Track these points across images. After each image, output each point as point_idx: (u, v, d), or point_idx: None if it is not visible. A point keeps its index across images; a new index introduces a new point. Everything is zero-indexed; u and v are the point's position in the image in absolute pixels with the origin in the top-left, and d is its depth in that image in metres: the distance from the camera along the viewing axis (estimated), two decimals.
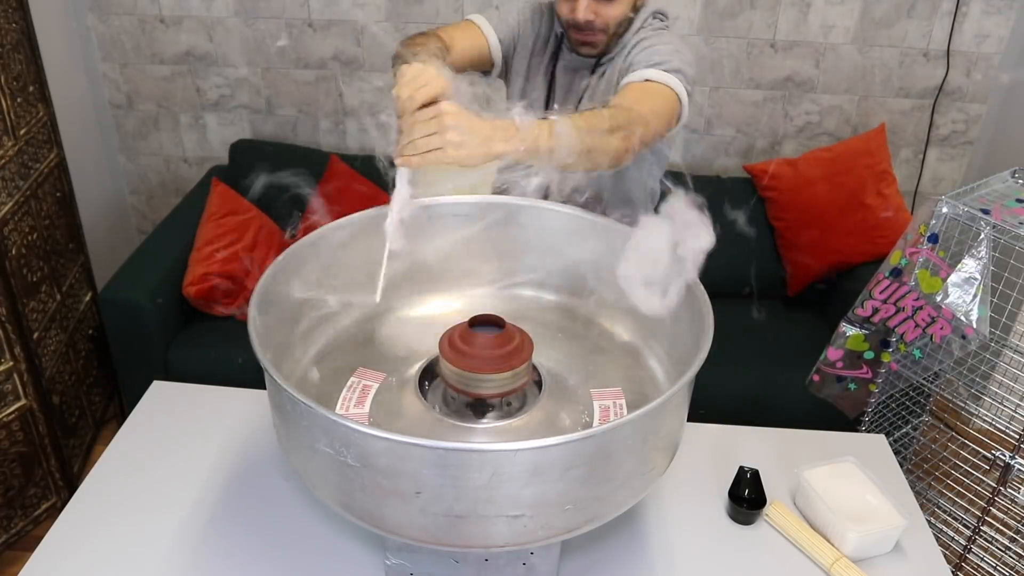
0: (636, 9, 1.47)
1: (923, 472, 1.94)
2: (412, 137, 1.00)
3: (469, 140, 0.99)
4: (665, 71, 1.33)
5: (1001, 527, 1.78)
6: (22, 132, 1.97)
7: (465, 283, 1.36)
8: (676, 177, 1.75)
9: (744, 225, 2.57)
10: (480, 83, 1.58)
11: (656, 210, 1.68)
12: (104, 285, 2.19)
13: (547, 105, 1.54)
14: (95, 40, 2.70)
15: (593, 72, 1.51)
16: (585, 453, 0.89)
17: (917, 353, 1.78)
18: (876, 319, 1.73)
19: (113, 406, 2.51)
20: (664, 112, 1.31)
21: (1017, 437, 1.66)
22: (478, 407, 1.10)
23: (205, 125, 2.84)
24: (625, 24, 1.46)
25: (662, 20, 1.51)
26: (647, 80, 1.33)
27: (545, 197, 1.42)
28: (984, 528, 1.78)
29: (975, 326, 1.62)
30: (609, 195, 1.55)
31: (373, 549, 1.17)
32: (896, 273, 1.70)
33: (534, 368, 1.16)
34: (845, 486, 1.26)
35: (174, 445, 1.35)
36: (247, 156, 2.68)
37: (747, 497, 1.24)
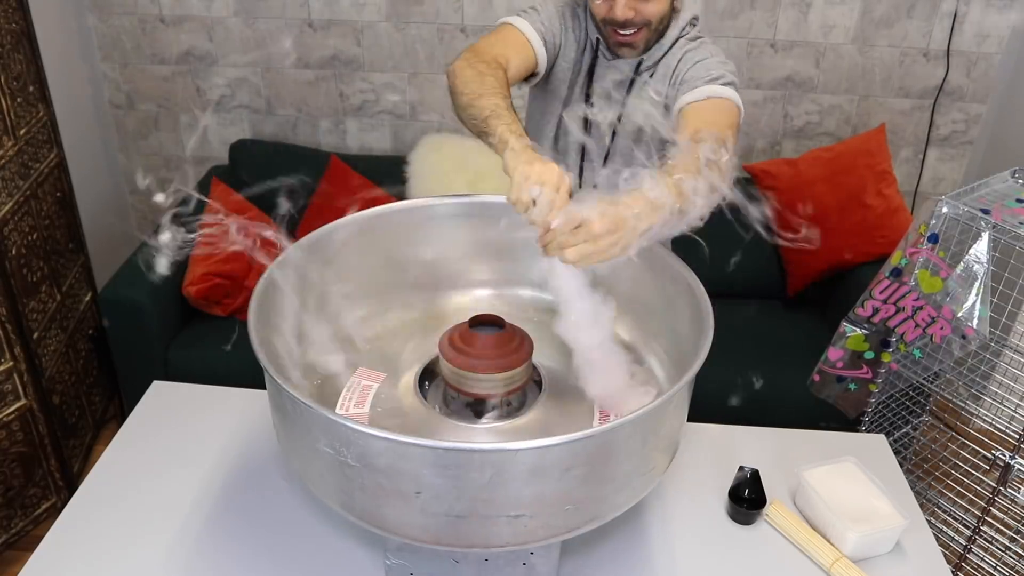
0: (675, 6, 1.42)
1: (923, 472, 1.94)
2: (565, 246, 0.99)
3: (621, 237, 0.98)
4: (723, 85, 1.35)
5: (1001, 527, 1.78)
6: (22, 132, 1.97)
7: (465, 283, 1.36)
8: None
9: (744, 225, 2.58)
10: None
11: None
12: (104, 285, 2.19)
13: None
14: (95, 40, 2.70)
15: (633, 80, 1.46)
16: (585, 453, 0.89)
17: (917, 353, 1.78)
18: (876, 319, 1.73)
19: (113, 406, 2.51)
20: (735, 126, 1.33)
21: (1017, 437, 1.66)
22: (478, 407, 1.10)
23: (205, 125, 2.83)
24: (666, 20, 1.41)
25: (695, 26, 1.48)
26: (709, 97, 1.33)
27: None
28: (984, 528, 1.77)
29: (975, 326, 1.62)
30: None
31: (373, 549, 1.17)
32: (896, 273, 1.70)
33: (534, 368, 1.16)
34: (845, 486, 1.26)
35: (174, 445, 1.35)
36: (247, 156, 2.68)
37: (747, 497, 1.24)
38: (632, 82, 1.46)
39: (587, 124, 1.50)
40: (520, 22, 1.41)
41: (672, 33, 1.44)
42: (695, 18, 1.47)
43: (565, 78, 1.50)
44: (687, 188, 1.03)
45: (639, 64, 1.45)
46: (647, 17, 1.37)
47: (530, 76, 1.46)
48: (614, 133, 1.49)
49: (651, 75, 1.45)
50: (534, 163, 1.03)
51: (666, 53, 1.44)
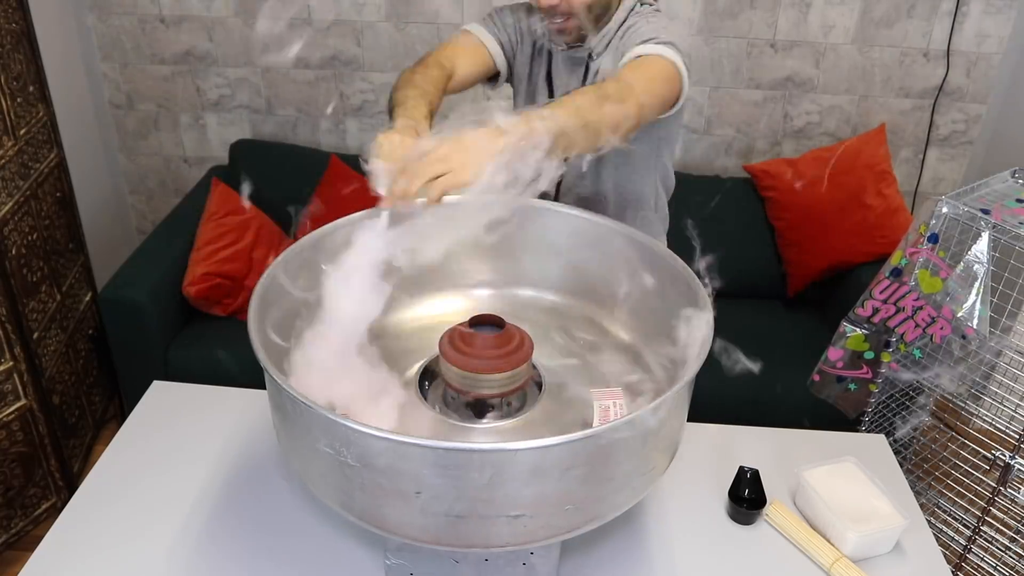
0: None
1: (923, 472, 1.94)
2: (421, 179, 1.03)
3: (469, 156, 1.02)
4: (655, 44, 1.32)
5: (1001, 527, 1.78)
6: (22, 132, 1.97)
7: (465, 283, 1.36)
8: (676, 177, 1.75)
9: (744, 225, 2.58)
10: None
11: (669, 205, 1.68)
12: (104, 285, 2.19)
13: None
14: (95, 40, 2.70)
15: (588, 68, 1.49)
16: (585, 453, 0.89)
17: (917, 353, 1.78)
18: (876, 319, 1.73)
19: (113, 406, 2.51)
20: (660, 79, 1.29)
21: (1017, 437, 1.66)
22: (478, 407, 1.10)
23: (205, 125, 2.84)
24: (598, 8, 1.42)
25: (651, 5, 1.47)
26: (638, 56, 1.31)
27: (544, 196, 1.42)
28: (984, 528, 1.77)
29: (975, 326, 1.62)
30: (613, 196, 1.55)
31: (373, 549, 1.17)
32: (896, 273, 1.70)
33: (534, 368, 1.16)
34: (845, 486, 1.26)
35: (174, 445, 1.35)
36: (247, 156, 2.68)
37: (747, 497, 1.24)
38: (587, 69, 1.49)
39: None
40: (477, 28, 1.50)
41: (619, 16, 1.44)
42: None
43: (525, 72, 1.55)
44: (547, 114, 1.06)
45: (591, 53, 1.48)
46: (572, 6, 1.39)
47: (495, 77, 1.55)
48: None
49: (600, 57, 1.47)
50: (389, 133, 1.15)
51: (615, 35, 1.45)
